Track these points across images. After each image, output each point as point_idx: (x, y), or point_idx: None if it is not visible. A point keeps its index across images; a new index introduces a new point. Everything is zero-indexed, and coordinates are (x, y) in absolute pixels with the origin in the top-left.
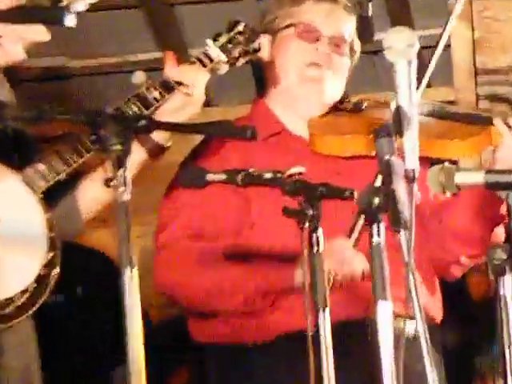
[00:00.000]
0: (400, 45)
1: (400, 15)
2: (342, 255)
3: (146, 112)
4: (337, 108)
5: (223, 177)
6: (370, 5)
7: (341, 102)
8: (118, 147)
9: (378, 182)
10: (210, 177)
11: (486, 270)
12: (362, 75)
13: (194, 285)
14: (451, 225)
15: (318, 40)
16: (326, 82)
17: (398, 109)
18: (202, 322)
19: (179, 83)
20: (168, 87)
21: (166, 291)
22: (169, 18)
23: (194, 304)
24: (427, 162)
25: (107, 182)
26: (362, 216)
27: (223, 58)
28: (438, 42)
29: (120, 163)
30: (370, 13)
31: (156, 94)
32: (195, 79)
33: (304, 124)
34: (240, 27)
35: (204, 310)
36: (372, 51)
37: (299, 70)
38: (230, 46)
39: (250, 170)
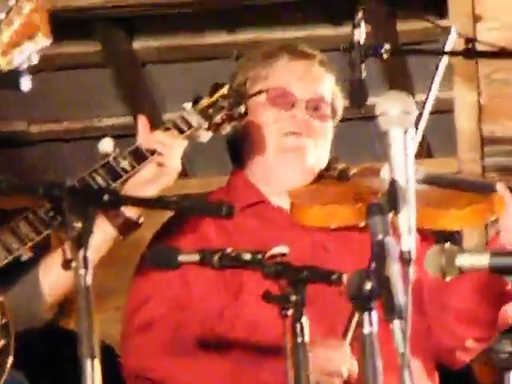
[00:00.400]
0: (395, 112)
1: (398, 77)
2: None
3: (113, 184)
4: (322, 176)
5: (197, 257)
6: (362, 66)
7: (327, 169)
8: (79, 225)
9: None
10: (182, 258)
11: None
12: (356, 143)
13: (172, 376)
14: (455, 306)
15: (293, 106)
16: (307, 152)
17: (393, 183)
18: None
19: (152, 152)
20: (139, 156)
21: (140, 375)
22: (140, 79)
23: None
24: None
25: (66, 264)
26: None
27: (203, 124)
28: (423, 108)
29: (80, 243)
30: (363, 75)
31: (125, 163)
32: (170, 148)
33: (286, 194)
34: (224, 90)
35: None
36: (367, 117)
37: (276, 140)
38: (211, 110)
39: (228, 251)
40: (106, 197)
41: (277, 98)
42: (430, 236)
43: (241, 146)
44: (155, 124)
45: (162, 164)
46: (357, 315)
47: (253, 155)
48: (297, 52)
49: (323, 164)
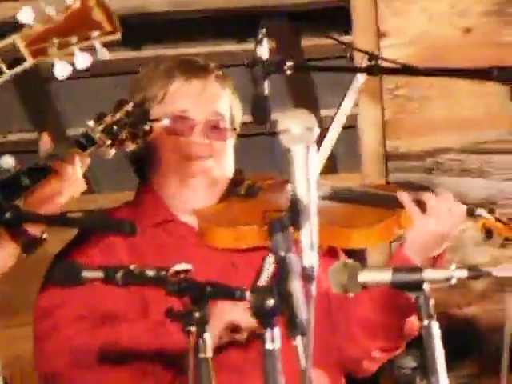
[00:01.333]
0: (296, 129)
1: (303, 93)
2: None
3: (14, 201)
4: (229, 191)
5: (101, 274)
6: (265, 82)
7: (234, 184)
8: None
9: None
10: (86, 274)
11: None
12: (262, 157)
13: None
14: (359, 317)
15: (192, 130)
16: (211, 173)
17: (295, 199)
18: None
19: (53, 169)
20: (40, 173)
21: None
22: (45, 95)
23: None
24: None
25: None
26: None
27: (106, 141)
28: (330, 125)
29: None
30: (266, 91)
31: (26, 180)
32: (73, 163)
33: (193, 213)
34: (128, 107)
35: None
36: (270, 133)
37: (179, 166)
38: (114, 127)
39: (131, 268)
40: (7, 214)
41: (175, 126)
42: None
43: (145, 165)
44: (59, 140)
45: (66, 180)
46: (268, 264)
47: (158, 176)
48: (192, 69)
49: (228, 178)
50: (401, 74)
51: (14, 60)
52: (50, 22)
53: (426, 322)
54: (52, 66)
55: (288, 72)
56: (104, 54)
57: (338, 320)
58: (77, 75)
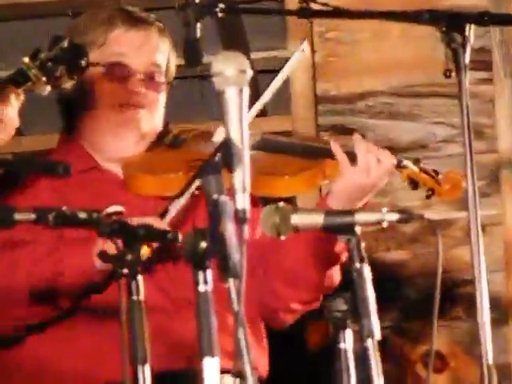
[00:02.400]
0: (230, 71)
1: (233, 36)
2: None
3: None
4: (155, 142)
5: (33, 216)
6: (197, 26)
7: (160, 136)
8: None
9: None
10: (18, 216)
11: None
12: (188, 102)
13: None
14: (279, 267)
15: (129, 78)
16: (141, 123)
17: (228, 142)
18: None
19: None
20: None
21: None
22: None
23: None
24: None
25: None
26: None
27: (41, 77)
28: (275, 75)
29: None
30: (197, 34)
31: None
32: (7, 102)
33: (118, 161)
34: (64, 43)
35: None
36: (200, 76)
37: (110, 112)
38: (50, 64)
39: (63, 209)
40: None
41: (113, 72)
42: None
43: (73, 109)
44: None
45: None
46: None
47: (85, 122)
48: (134, 19)
49: (155, 133)
50: (332, 16)
51: None
52: None
53: (357, 265)
54: None
55: (219, 14)
56: None
57: (258, 270)
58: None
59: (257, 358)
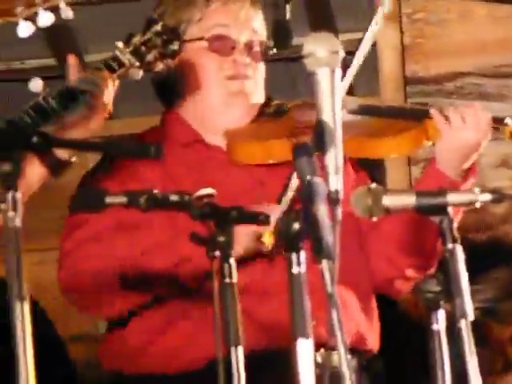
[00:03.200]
0: (322, 52)
1: (320, 17)
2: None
3: (43, 124)
4: (258, 113)
5: (124, 199)
6: (287, 7)
7: (263, 106)
8: (7, 167)
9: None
10: (109, 199)
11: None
12: (277, 83)
13: (107, 254)
14: (392, 236)
15: (233, 50)
16: (248, 94)
17: (320, 123)
18: (113, 341)
19: (84, 91)
20: (69, 96)
21: (71, 282)
22: (62, 21)
23: (107, 280)
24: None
25: None
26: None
27: (135, 62)
28: (357, 49)
29: (9, 185)
30: (287, 16)
31: (55, 104)
32: (103, 87)
33: (221, 134)
34: (157, 27)
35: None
36: (290, 58)
37: (219, 85)
38: (143, 48)
39: (154, 192)
40: (34, 139)
41: (218, 45)
42: (360, 169)
43: (173, 87)
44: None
45: (93, 105)
46: (292, 182)
47: (190, 97)
48: None
49: (261, 102)
50: None
51: None
52: None
53: (450, 246)
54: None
55: None
56: (68, 14)
57: (370, 240)
58: (95, 1)
59: (367, 333)
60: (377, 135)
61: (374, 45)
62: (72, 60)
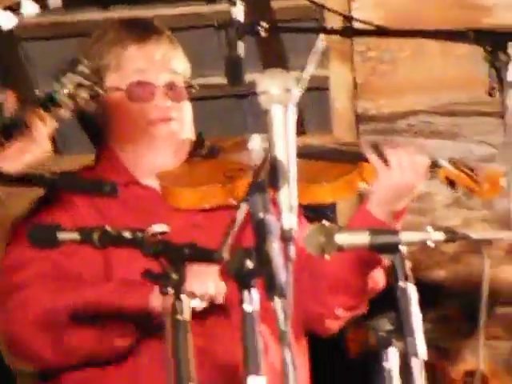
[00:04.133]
0: (275, 90)
1: (272, 54)
2: (202, 277)
3: None
4: (190, 154)
5: (77, 236)
6: (240, 44)
7: (195, 147)
8: None
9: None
10: (62, 236)
11: (363, 324)
12: (229, 120)
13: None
14: (323, 274)
15: (153, 94)
16: (174, 134)
17: (274, 161)
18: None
19: (18, 127)
20: (6, 129)
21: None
22: (15, 55)
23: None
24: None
25: None
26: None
27: (69, 103)
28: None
29: None
30: (240, 52)
31: None
32: (36, 123)
33: (155, 175)
34: (83, 68)
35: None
36: (241, 94)
37: (142, 131)
38: (74, 90)
39: (107, 229)
40: None
41: (136, 92)
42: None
43: (103, 131)
44: (28, 98)
45: (28, 141)
46: (232, 229)
47: (118, 142)
48: (144, 33)
49: (191, 140)
50: (374, 35)
51: None
52: None
53: (402, 284)
54: None
55: (262, 34)
56: (56, 2)
57: (303, 277)
58: (43, 36)
59: (299, 372)
60: (311, 180)
61: (326, 82)
62: (9, 96)
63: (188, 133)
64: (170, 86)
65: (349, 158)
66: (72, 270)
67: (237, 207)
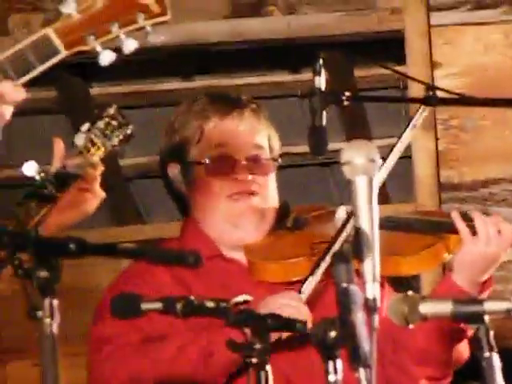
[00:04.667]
0: (359, 160)
1: (356, 123)
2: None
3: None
4: (276, 225)
5: (160, 306)
6: (324, 113)
7: (281, 217)
8: (45, 273)
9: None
10: (145, 306)
11: None
12: (312, 187)
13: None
14: (409, 346)
15: (234, 168)
16: (255, 209)
17: (358, 231)
18: None
19: (76, 175)
20: (64, 180)
21: None
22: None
23: None
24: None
25: (31, 312)
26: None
27: (108, 145)
28: (389, 154)
29: (46, 291)
30: (323, 122)
31: (52, 188)
32: (95, 171)
33: (240, 247)
34: (111, 110)
35: None
36: (324, 163)
37: (224, 205)
38: (108, 132)
39: (191, 298)
40: (72, 246)
41: (216, 167)
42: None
43: (188, 202)
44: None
45: (86, 189)
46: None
47: (203, 214)
48: (227, 106)
49: (274, 211)
50: (457, 104)
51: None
52: (88, 10)
53: (487, 354)
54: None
55: (345, 103)
56: (155, 37)
57: (387, 348)
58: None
59: None
60: (399, 253)
61: (409, 151)
62: (58, 143)
63: (271, 204)
64: (253, 159)
65: (433, 229)
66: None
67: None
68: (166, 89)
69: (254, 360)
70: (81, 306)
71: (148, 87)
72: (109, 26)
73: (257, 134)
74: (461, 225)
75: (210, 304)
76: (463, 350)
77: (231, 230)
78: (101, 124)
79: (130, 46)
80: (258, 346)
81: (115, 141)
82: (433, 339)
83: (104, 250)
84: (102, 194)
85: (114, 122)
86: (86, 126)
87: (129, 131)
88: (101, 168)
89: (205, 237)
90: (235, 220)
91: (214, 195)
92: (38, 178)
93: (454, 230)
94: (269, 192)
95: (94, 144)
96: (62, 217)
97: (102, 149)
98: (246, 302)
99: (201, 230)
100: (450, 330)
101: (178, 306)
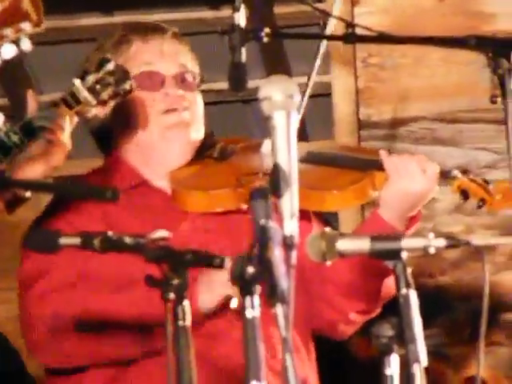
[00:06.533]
0: (278, 96)
1: (276, 60)
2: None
3: (3, 159)
4: (202, 155)
5: (78, 241)
6: (243, 50)
7: (206, 147)
8: None
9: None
10: (63, 241)
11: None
12: (233, 125)
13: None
14: (336, 280)
15: (163, 84)
16: (188, 125)
17: (276, 167)
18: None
19: (42, 127)
20: (30, 131)
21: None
22: (16, 61)
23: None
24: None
25: None
26: None
27: (92, 100)
28: (305, 91)
29: None
30: (243, 59)
31: (16, 138)
32: (60, 123)
33: (166, 177)
34: (110, 66)
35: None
36: (244, 100)
37: (156, 120)
38: (98, 86)
39: (109, 234)
40: None
41: (145, 81)
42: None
43: (112, 130)
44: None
45: (51, 141)
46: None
47: (129, 138)
48: (147, 30)
49: (201, 135)
50: (376, 42)
51: None
52: None
53: (403, 291)
54: None
55: (265, 39)
56: (27, 46)
57: (314, 283)
58: (49, 41)
59: (308, 375)
60: (322, 187)
61: (328, 89)
62: (31, 95)
63: (199, 127)
64: (180, 77)
65: (359, 165)
66: (91, 273)
67: (245, 211)
68: (84, 24)
69: (172, 295)
70: (2, 241)
71: (66, 23)
72: (2, 33)
73: (180, 55)
74: (387, 162)
75: (128, 240)
76: (391, 284)
77: (161, 147)
78: (92, 78)
79: (9, 52)
80: (175, 281)
81: (105, 95)
82: (357, 273)
83: (23, 183)
84: (68, 146)
85: (110, 78)
86: (77, 80)
87: (127, 86)
88: (72, 122)
89: (128, 166)
90: (167, 134)
91: (145, 111)
92: (3, 128)
93: (380, 167)
94: (196, 109)
95: (76, 98)
96: (31, 169)
97: (84, 103)
98: (164, 238)
99: (124, 160)
100: (374, 264)
101: (96, 241)
